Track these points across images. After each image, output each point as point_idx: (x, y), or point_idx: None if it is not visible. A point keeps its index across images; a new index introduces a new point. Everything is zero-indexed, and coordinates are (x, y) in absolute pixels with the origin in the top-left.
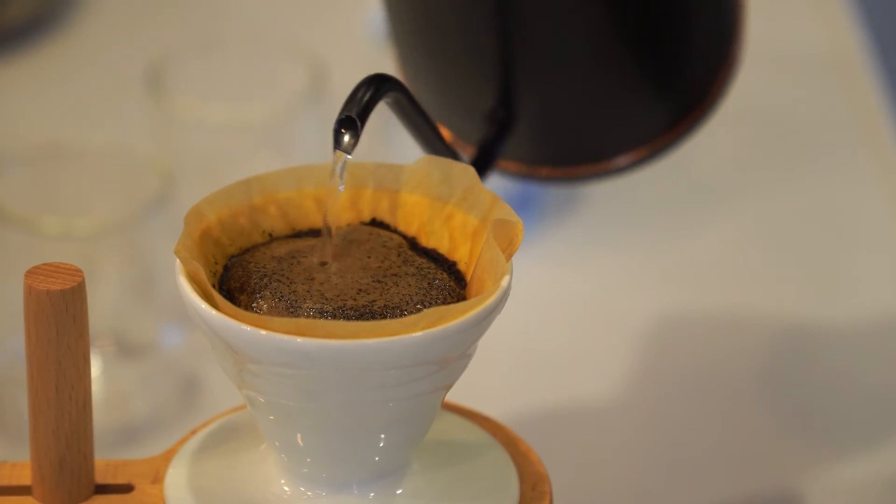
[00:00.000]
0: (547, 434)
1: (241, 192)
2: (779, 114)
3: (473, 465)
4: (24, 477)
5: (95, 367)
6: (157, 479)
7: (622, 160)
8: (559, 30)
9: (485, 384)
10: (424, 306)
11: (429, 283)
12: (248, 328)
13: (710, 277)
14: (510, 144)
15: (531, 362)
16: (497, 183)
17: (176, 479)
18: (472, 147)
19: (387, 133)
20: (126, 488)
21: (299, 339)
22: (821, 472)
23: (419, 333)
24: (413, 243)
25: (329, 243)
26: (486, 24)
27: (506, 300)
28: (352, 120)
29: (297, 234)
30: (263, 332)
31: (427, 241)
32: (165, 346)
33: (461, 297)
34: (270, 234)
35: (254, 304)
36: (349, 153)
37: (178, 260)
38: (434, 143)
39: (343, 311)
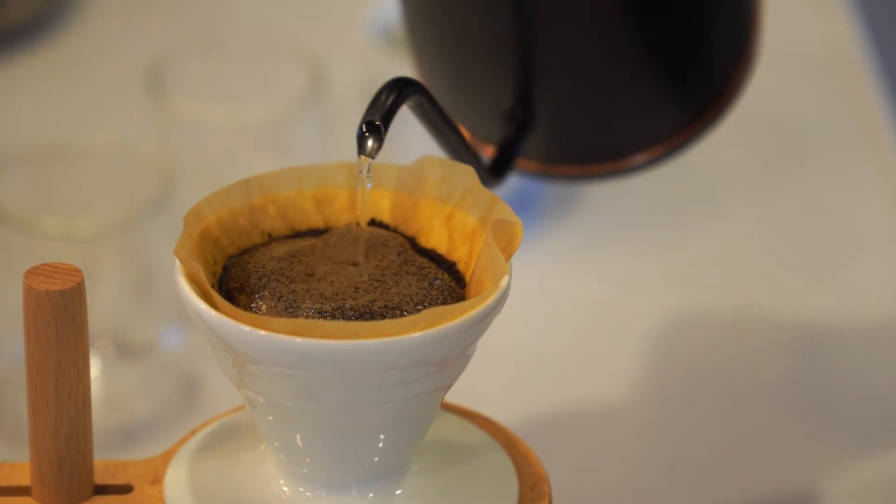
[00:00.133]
0: (546, 435)
1: (241, 192)
2: (780, 114)
3: (473, 466)
4: (24, 477)
5: (95, 368)
6: (157, 479)
7: (639, 158)
8: (577, 30)
9: (484, 385)
10: (425, 306)
11: (430, 283)
12: (248, 328)
13: (711, 277)
14: (528, 143)
15: (530, 363)
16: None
17: (175, 479)
18: (490, 147)
19: (387, 133)
20: (125, 489)
21: (298, 340)
22: (828, 473)
23: (418, 334)
24: (412, 243)
25: (360, 245)
26: (505, 24)
27: (505, 300)
28: (376, 124)
29: (297, 235)
30: (263, 332)
31: (426, 242)
32: (165, 346)
33: (461, 298)
34: (270, 235)
35: (253, 305)
36: (373, 158)
37: (177, 260)
38: (456, 146)
39: (342, 310)
